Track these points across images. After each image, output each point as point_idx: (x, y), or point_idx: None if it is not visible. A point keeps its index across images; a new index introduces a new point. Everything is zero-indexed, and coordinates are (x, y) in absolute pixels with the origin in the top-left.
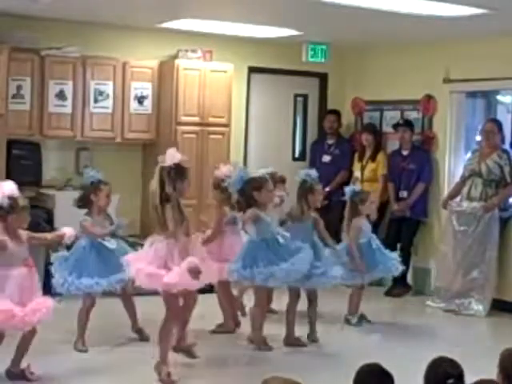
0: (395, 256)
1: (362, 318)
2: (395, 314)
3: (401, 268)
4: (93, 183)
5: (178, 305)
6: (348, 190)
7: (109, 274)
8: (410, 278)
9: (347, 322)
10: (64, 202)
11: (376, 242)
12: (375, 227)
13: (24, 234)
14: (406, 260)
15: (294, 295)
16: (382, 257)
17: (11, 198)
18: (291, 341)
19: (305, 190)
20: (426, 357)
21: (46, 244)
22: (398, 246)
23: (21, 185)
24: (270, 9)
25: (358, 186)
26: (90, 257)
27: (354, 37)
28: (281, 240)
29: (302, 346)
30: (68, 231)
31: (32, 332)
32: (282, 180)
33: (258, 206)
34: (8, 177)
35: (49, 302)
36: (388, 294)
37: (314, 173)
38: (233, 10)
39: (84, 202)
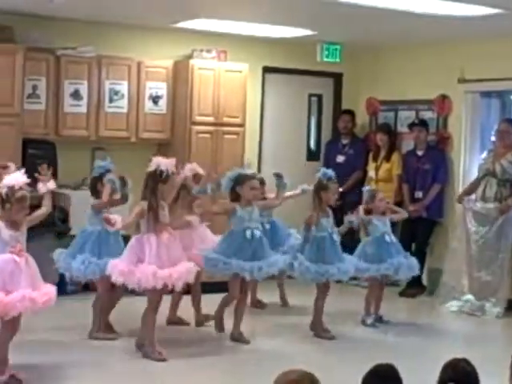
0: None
1: (379, 320)
2: (409, 315)
3: (415, 271)
4: (101, 174)
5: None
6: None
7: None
8: (424, 279)
9: (362, 322)
10: (79, 202)
11: (391, 237)
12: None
13: (24, 221)
14: (421, 261)
15: (324, 288)
16: (398, 252)
17: (10, 189)
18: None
19: (318, 187)
20: (440, 357)
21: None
22: (413, 246)
23: (36, 184)
24: (285, 9)
25: (369, 186)
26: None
27: (369, 36)
28: (248, 235)
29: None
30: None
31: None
32: (261, 182)
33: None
34: None
35: (36, 294)
36: (403, 294)
37: (329, 172)
38: (247, 10)
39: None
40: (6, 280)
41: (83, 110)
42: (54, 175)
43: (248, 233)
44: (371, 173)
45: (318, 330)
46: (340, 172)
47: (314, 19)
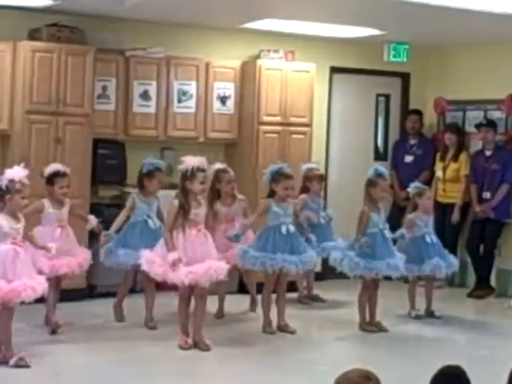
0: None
1: (431, 315)
2: (477, 316)
3: (454, 269)
4: (149, 170)
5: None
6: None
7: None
8: (493, 280)
9: (408, 315)
10: None
11: (432, 238)
12: (458, 228)
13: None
14: (489, 262)
15: (372, 285)
16: (436, 253)
17: (11, 181)
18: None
19: (367, 183)
20: (509, 359)
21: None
22: (482, 247)
23: (106, 183)
24: (353, 9)
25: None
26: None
27: (437, 36)
28: (283, 231)
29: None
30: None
31: (10, 310)
32: (323, 178)
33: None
34: (94, 176)
35: (34, 283)
36: (471, 295)
37: (381, 168)
38: (315, 10)
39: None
40: (7, 269)
41: (152, 110)
42: (123, 175)
43: (283, 228)
44: (439, 173)
45: (363, 324)
46: (408, 172)
47: (382, 19)
